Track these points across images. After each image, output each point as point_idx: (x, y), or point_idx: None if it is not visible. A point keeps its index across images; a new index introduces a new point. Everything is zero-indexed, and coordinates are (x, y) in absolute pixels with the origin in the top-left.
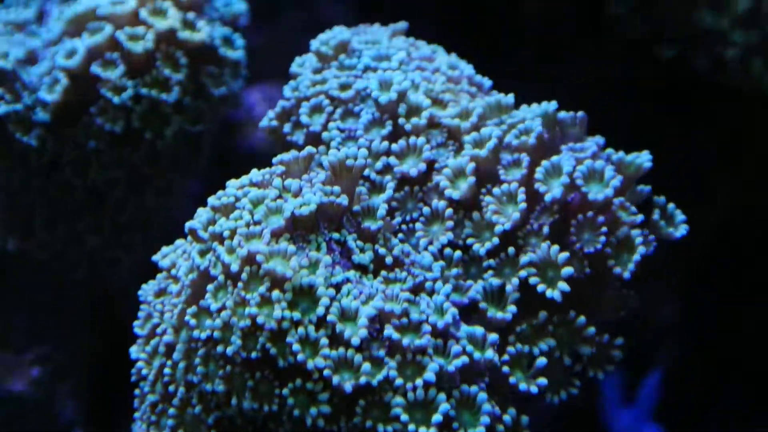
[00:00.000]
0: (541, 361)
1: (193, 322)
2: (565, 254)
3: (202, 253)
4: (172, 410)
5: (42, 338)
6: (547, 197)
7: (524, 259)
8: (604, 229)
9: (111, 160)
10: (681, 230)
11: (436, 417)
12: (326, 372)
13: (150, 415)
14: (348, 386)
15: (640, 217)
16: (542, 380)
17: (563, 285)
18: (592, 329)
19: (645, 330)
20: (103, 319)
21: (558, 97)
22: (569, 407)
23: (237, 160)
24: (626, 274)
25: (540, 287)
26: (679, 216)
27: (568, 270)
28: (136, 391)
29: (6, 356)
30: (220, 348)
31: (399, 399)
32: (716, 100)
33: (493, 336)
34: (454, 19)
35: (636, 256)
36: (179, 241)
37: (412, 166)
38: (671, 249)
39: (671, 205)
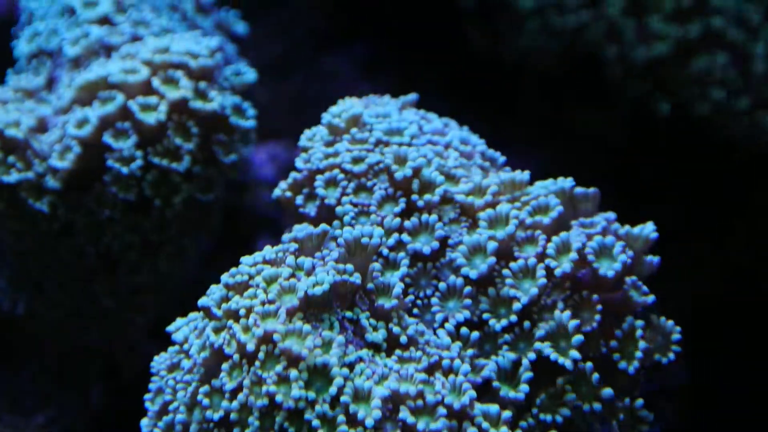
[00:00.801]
0: None
1: (206, 402)
2: (575, 321)
3: (217, 331)
4: None
5: (50, 400)
6: (557, 272)
7: (539, 333)
8: (599, 307)
9: (124, 227)
10: (670, 357)
11: None
12: None
13: None
14: None
15: (651, 298)
16: None
17: (574, 353)
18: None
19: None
20: (111, 380)
21: (559, 159)
22: None
23: (245, 219)
24: (630, 370)
25: (553, 356)
26: (675, 335)
27: (578, 338)
28: None
29: (15, 419)
30: (237, 430)
31: None
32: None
33: (507, 413)
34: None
35: (639, 353)
36: (193, 314)
37: (425, 244)
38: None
39: (670, 323)
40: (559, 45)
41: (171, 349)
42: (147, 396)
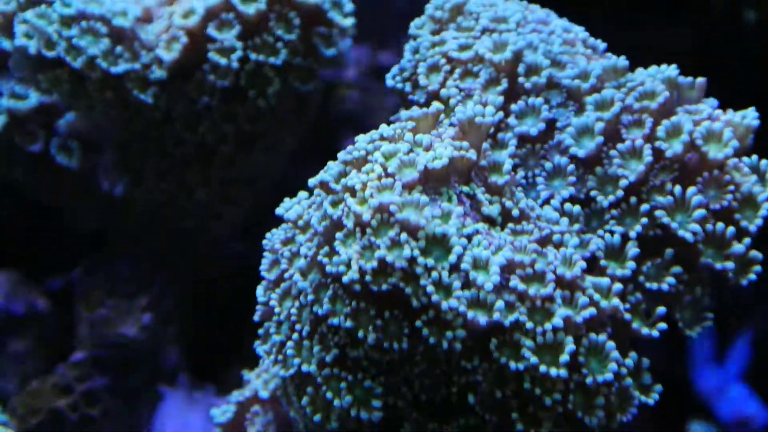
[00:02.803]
0: (661, 309)
1: (325, 260)
2: (699, 197)
3: (335, 204)
4: (296, 349)
5: (148, 287)
6: (669, 153)
7: (645, 207)
8: (731, 187)
9: (222, 116)
10: None
11: (563, 357)
12: (461, 308)
13: (277, 354)
14: (483, 321)
15: (753, 178)
16: (663, 325)
17: (694, 226)
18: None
19: (735, 293)
20: (204, 267)
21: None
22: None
23: (329, 119)
24: (753, 228)
25: (673, 224)
26: None
27: (700, 212)
28: (260, 331)
29: (118, 302)
30: (345, 279)
31: (528, 342)
32: None
33: (618, 286)
34: None
35: (762, 212)
36: (302, 194)
37: (531, 126)
38: None
39: (764, 163)
40: None
41: (284, 225)
42: (262, 267)
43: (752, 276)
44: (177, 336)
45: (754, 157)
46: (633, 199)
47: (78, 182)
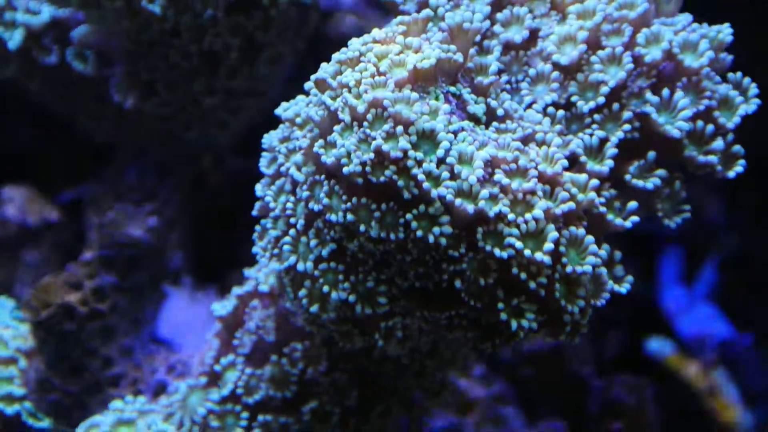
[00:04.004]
0: (633, 204)
1: (321, 151)
2: (686, 99)
3: (332, 98)
4: (292, 244)
5: (153, 196)
6: (647, 58)
7: (627, 114)
8: (708, 93)
9: (227, 27)
10: (753, 106)
11: (548, 245)
12: (449, 197)
13: (273, 248)
14: (470, 209)
15: (725, 86)
16: (635, 218)
17: (681, 123)
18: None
19: (701, 221)
20: (208, 178)
21: None
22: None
23: (326, 46)
24: (730, 125)
25: (660, 119)
26: (753, 90)
27: (687, 113)
28: (257, 227)
29: (126, 206)
30: (346, 170)
31: (514, 230)
32: None
33: (594, 181)
34: None
35: (740, 111)
36: (300, 96)
37: (516, 33)
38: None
39: (747, 80)
40: None
41: (282, 125)
42: (261, 163)
43: (739, 168)
44: (181, 241)
45: (739, 73)
46: (616, 106)
47: (91, 93)
